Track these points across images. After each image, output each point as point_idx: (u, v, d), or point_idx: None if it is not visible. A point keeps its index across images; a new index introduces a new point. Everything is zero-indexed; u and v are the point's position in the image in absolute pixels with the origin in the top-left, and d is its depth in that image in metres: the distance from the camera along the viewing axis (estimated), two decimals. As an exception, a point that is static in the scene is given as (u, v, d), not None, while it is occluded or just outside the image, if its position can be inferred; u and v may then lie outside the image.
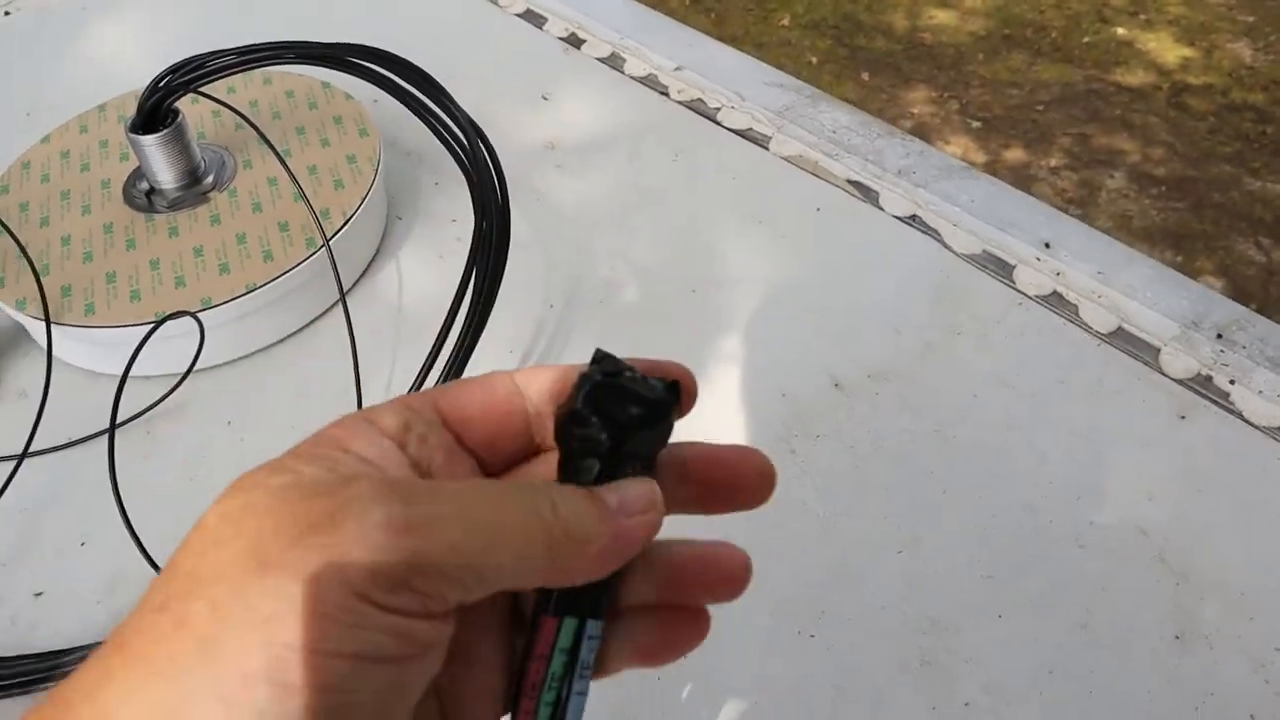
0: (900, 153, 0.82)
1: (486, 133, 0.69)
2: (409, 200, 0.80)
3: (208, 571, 0.22)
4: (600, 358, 0.28)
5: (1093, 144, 3.50)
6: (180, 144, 0.71)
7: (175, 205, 0.72)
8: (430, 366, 0.59)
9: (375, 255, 0.76)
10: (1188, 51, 3.77)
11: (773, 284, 0.72)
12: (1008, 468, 0.61)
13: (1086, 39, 3.90)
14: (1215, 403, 0.65)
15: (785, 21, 4.04)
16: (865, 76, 3.80)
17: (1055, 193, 3.33)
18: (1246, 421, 0.64)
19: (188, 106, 0.73)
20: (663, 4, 4.19)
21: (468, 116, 0.66)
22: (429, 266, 0.74)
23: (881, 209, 0.77)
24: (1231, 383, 0.66)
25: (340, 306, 0.71)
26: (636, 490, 0.26)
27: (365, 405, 0.63)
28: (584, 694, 0.26)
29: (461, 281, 0.61)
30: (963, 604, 0.56)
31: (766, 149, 0.82)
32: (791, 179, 0.79)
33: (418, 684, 0.23)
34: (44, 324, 0.64)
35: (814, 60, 3.86)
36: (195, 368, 0.63)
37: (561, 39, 0.95)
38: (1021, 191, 0.82)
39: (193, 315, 0.61)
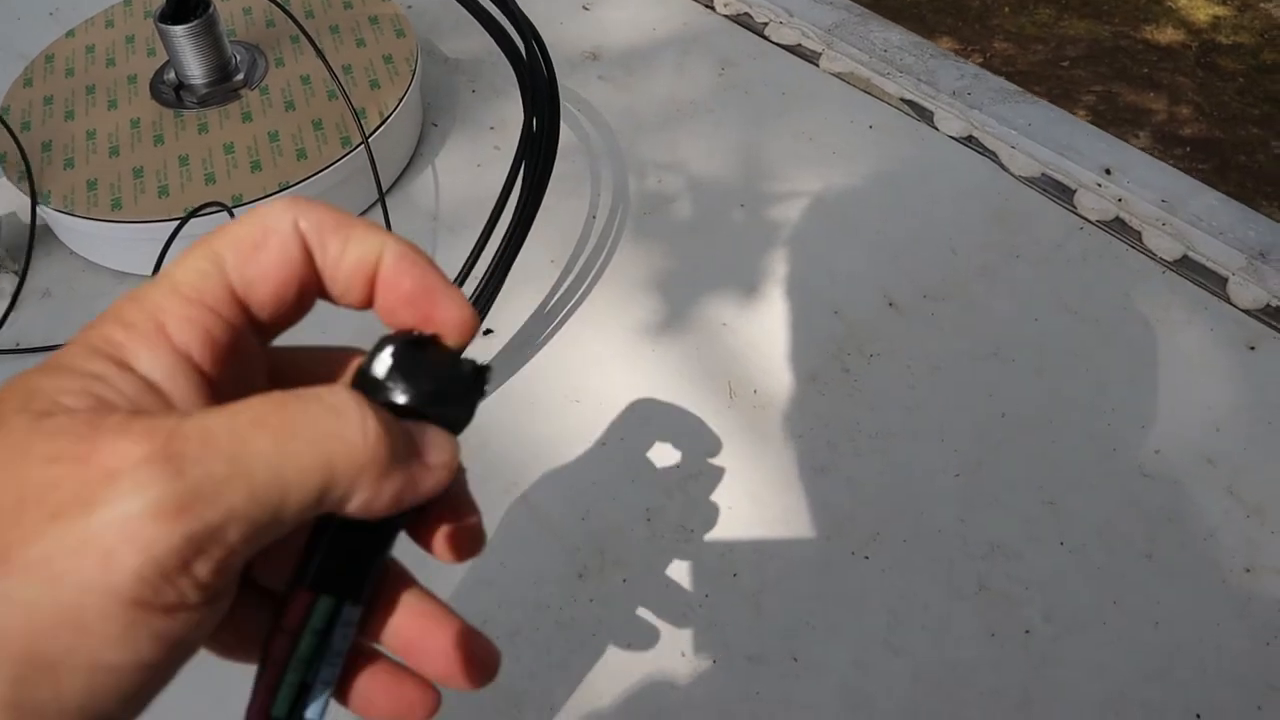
0: (954, 74, 0.79)
1: None
2: (445, 107, 0.76)
3: None
4: (407, 333, 0.24)
5: (1118, 101, 3.44)
6: (211, 36, 0.68)
7: (205, 102, 0.69)
8: (473, 264, 0.57)
9: (410, 161, 0.73)
10: (1219, 10, 3.69)
11: (824, 201, 0.69)
12: (1070, 393, 0.59)
13: (1116, -6, 3.82)
14: (1285, 334, 0.62)
15: (809, -32, 3.96)
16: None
17: (1078, 150, 3.27)
18: (1317, 354, 0.62)
19: (218, 3, 0.70)
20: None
21: (523, 14, 0.63)
22: (466, 174, 0.71)
23: (936, 129, 0.74)
24: (1302, 315, 0.63)
25: (372, 212, 0.69)
26: (441, 437, 0.22)
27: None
28: (329, 685, 0.23)
29: (507, 181, 0.58)
30: (1022, 530, 0.54)
31: (816, 65, 0.79)
32: (842, 95, 0.76)
33: (188, 657, 0.20)
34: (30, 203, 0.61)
35: (837, 8, 3.79)
36: (225, 268, 0.61)
37: (602, -50, 0.91)
38: (1078, 119, 0.78)
39: (225, 206, 0.58)
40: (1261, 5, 3.73)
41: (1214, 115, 3.39)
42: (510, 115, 0.75)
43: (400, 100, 0.68)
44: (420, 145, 0.74)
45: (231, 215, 0.57)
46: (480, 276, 0.58)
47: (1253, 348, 0.62)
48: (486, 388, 0.24)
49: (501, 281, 0.58)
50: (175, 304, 0.21)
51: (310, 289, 0.24)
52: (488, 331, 0.61)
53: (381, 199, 0.65)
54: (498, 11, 0.65)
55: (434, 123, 0.75)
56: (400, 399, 0.23)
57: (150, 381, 0.21)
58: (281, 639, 0.22)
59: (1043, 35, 3.72)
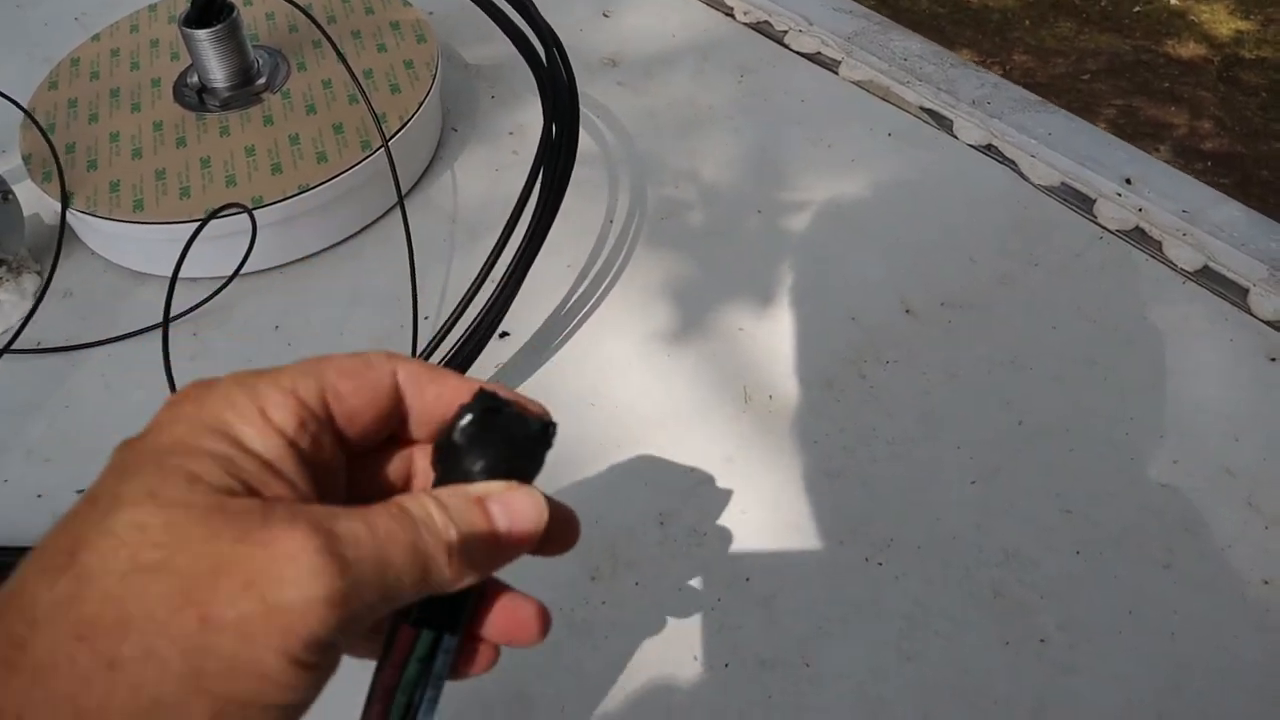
0: (975, 84, 0.79)
1: None
2: (465, 112, 0.77)
3: (136, 607, 0.21)
4: (485, 396, 0.28)
5: (1139, 115, 3.43)
6: (234, 41, 0.69)
7: (227, 105, 0.70)
8: (491, 266, 0.57)
9: (429, 166, 0.73)
10: (1243, 24, 3.68)
11: (842, 207, 0.69)
12: (1088, 402, 0.59)
13: (1137, 8, 3.80)
14: (1306, 346, 0.62)
15: (829, -20, 3.96)
16: (910, 39, 3.73)
17: (1099, 164, 3.26)
18: (1339, 366, 0.61)
19: (241, 8, 0.70)
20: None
21: (544, 21, 0.64)
22: (485, 179, 0.72)
23: (956, 137, 0.74)
24: (1323, 327, 0.63)
25: (391, 216, 0.69)
26: (526, 502, 0.27)
27: (416, 325, 0.60)
28: (435, 701, 0.27)
29: (526, 185, 0.58)
30: (1039, 538, 0.53)
31: (835, 73, 0.79)
32: (862, 104, 0.76)
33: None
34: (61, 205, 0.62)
35: (857, 21, 3.79)
36: (244, 270, 0.61)
37: (622, -43, 0.91)
38: (1098, 128, 0.78)
39: (245, 208, 0.58)
40: (1285, 20, 3.71)
41: (1236, 130, 3.37)
42: (529, 121, 0.75)
43: (420, 104, 0.69)
44: (440, 150, 0.74)
45: (252, 217, 0.58)
46: (498, 279, 0.58)
47: (1274, 359, 0.61)
48: (553, 441, 0.29)
49: (519, 284, 0.59)
50: (275, 393, 0.26)
51: (390, 421, 0.29)
52: (504, 334, 0.61)
53: (401, 202, 0.65)
54: (519, 18, 0.65)
55: (454, 128, 0.76)
56: (477, 466, 0.27)
57: (266, 460, 0.25)
58: (391, 670, 0.26)
59: (1063, 48, 3.70)
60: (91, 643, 0.21)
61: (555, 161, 0.59)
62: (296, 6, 0.72)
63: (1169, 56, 3.64)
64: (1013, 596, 0.51)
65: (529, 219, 0.59)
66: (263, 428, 0.25)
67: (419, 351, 0.59)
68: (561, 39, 0.69)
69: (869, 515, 0.54)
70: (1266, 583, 0.52)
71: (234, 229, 0.61)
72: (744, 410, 0.58)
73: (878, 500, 0.54)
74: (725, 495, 0.54)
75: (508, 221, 0.58)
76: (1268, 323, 0.63)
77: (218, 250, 0.63)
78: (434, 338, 0.57)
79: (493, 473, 0.27)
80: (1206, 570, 0.52)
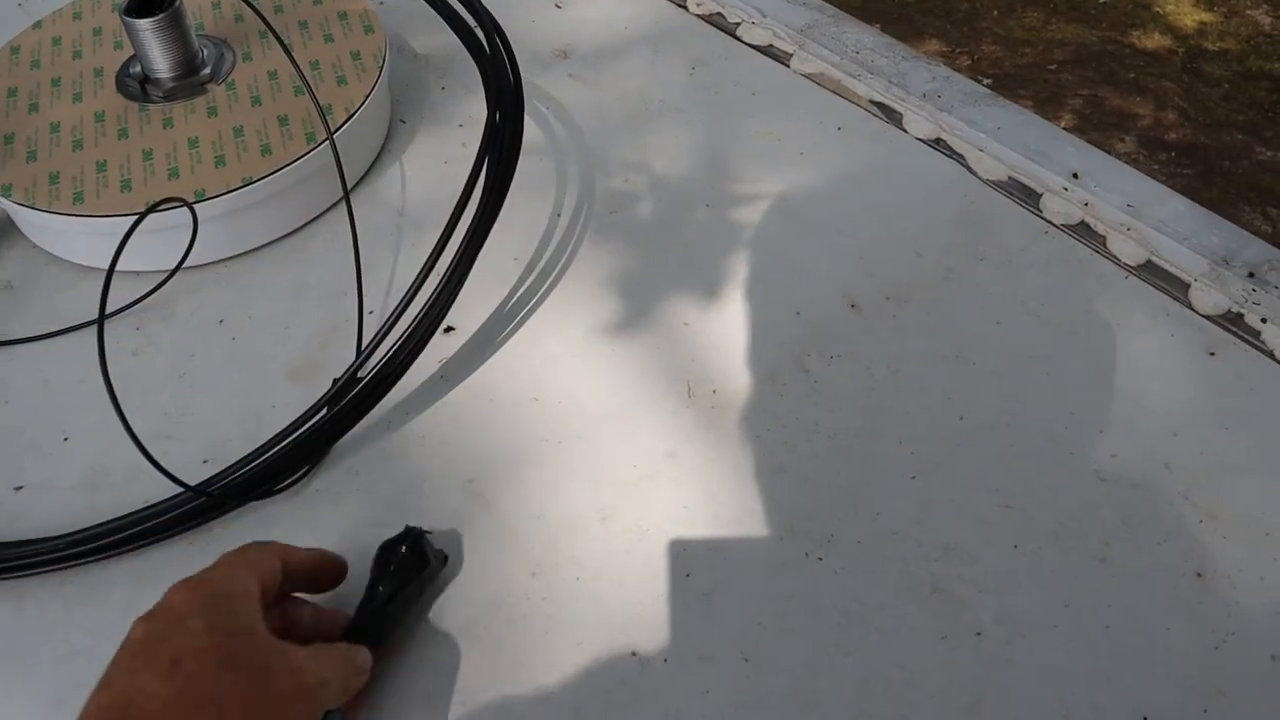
0: (925, 77, 0.79)
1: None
2: (414, 104, 0.76)
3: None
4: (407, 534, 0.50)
5: (1105, 106, 3.45)
6: (177, 30, 0.68)
7: (170, 96, 0.69)
8: (434, 261, 0.56)
9: (378, 158, 0.73)
10: (1206, 16, 3.71)
11: (789, 201, 0.69)
12: (1030, 396, 0.59)
13: (1104, 0, 3.83)
14: (1246, 340, 0.63)
15: (799, -31, 3.96)
16: (877, 28, 3.74)
17: (1064, 154, 3.28)
18: (1277, 361, 0.62)
19: (185, -5, 0.69)
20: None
21: (485, 9, 0.63)
22: (433, 171, 0.71)
23: (905, 131, 0.74)
24: (1263, 321, 0.63)
25: (338, 209, 0.69)
26: (365, 655, 0.44)
27: (362, 319, 0.60)
28: None
29: (470, 178, 0.58)
30: (978, 533, 0.54)
31: (787, 66, 0.79)
32: (812, 97, 0.76)
33: None
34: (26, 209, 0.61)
35: (827, 10, 3.79)
36: (187, 263, 0.60)
37: (574, -52, 0.91)
38: (1047, 121, 0.79)
39: (186, 203, 0.58)
40: (1248, 12, 3.75)
41: (1199, 121, 3.40)
42: (480, 113, 0.74)
43: (367, 97, 0.68)
44: (388, 142, 0.74)
45: (192, 211, 0.57)
46: (442, 273, 0.58)
47: (1213, 354, 0.62)
48: (430, 552, 0.49)
49: (463, 279, 0.58)
50: (265, 556, 0.44)
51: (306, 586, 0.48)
52: (449, 329, 0.61)
53: (346, 195, 0.65)
54: (462, 8, 0.64)
55: (402, 119, 0.75)
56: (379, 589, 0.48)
57: (268, 608, 0.42)
58: None
59: (1030, 39, 3.72)
60: None
61: (499, 154, 0.58)
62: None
63: (1134, 47, 3.67)
64: (951, 591, 0.51)
65: (473, 212, 0.59)
66: (265, 584, 0.42)
67: (363, 347, 0.58)
68: (512, 31, 0.68)
69: (810, 511, 0.54)
70: (1200, 575, 0.53)
71: (176, 222, 0.60)
72: (688, 405, 0.58)
73: (819, 496, 0.54)
74: (668, 491, 0.54)
75: (451, 215, 0.58)
76: (1208, 317, 0.64)
77: (160, 243, 0.62)
78: (378, 333, 0.57)
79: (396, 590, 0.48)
80: (1142, 563, 0.53)
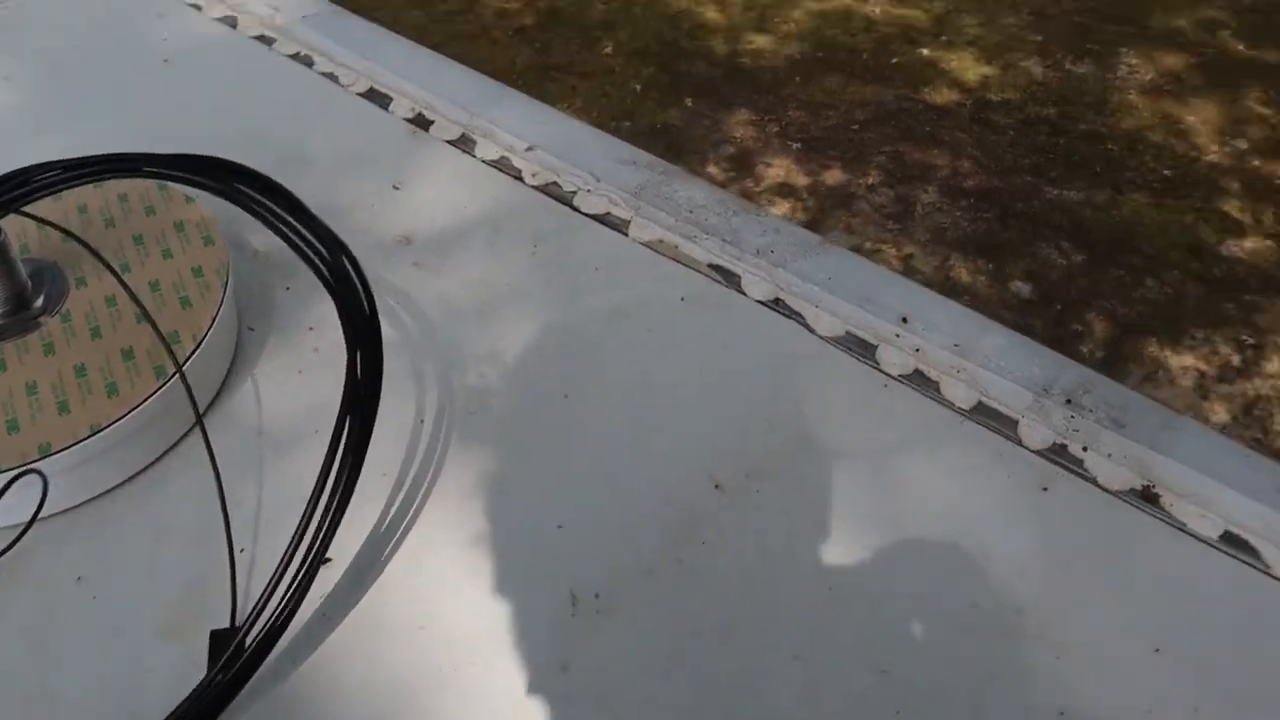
0: (757, 230, 0.83)
1: (337, 227, 0.66)
2: (260, 309, 0.76)
3: None
4: None
5: (906, 160, 3.66)
6: (3, 265, 0.65)
7: (1, 334, 0.67)
8: (310, 516, 0.56)
9: (228, 374, 0.71)
10: (987, 70, 4.00)
11: (644, 382, 0.71)
12: (891, 557, 0.63)
13: (895, 60, 4.08)
14: (1072, 470, 0.68)
15: (608, 50, 4.07)
16: (688, 102, 3.87)
17: (874, 209, 3.47)
18: (1101, 488, 0.68)
19: (8, 219, 0.67)
20: (486, 34, 4.16)
21: (329, 230, 0.64)
22: (288, 382, 0.71)
23: (744, 293, 0.78)
24: (1084, 449, 0.69)
25: (193, 435, 0.67)
26: None
27: (234, 562, 0.59)
28: None
29: (332, 442, 0.58)
30: (859, 705, 0.57)
31: (626, 234, 0.82)
32: (653, 266, 0.79)
33: None
34: None
35: (638, 87, 3.91)
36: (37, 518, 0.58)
37: (408, 120, 0.92)
38: (873, 263, 0.84)
39: (35, 470, 0.56)
40: (1022, 64, 4.05)
41: (991, 167, 3.65)
42: (328, 314, 0.74)
43: (214, 320, 0.67)
44: (237, 353, 0.73)
45: (42, 477, 0.55)
46: (321, 506, 0.57)
47: (1045, 489, 0.67)
48: None
49: (343, 511, 0.58)
50: None
51: None
52: (327, 560, 0.61)
53: (200, 423, 0.64)
54: (304, 228, 0.65)
55: (250, 327, 0.74)
56: None
57: None
58: None
59: (832, 101, 3.93)
60: None
61: (360, 404, 0.59)
62: (68, 233, 0.69)
63: (926, 103, 3.92)
64: (845, 772, 0.54)
65: (338, 465, 0.58)
66: None
67: (239, 594, 0.57)
68: (353, 217, 0.69)
69: (704, 709, 0.56)
70: (1062, 714, 0.57)
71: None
72: (573, 614, 0.59)
73: (711, 693, 0.56)
74: (562, 707, 0.55)
75: (318, 479, 0.57)
76: (1037, 452, 0.69)
77: (7, 499, 0.59)
78: (268, 586, 0.55)
79: None
80: (1009, 710, 0.57)
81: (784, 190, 3.51)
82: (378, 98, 0.94)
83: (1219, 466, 0.70)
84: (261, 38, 1.03)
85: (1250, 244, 3.32)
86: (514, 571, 0.61)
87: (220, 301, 0.69)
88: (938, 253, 3.32)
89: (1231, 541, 0.65)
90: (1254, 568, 0.64)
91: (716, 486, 0.65)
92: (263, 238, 0.81)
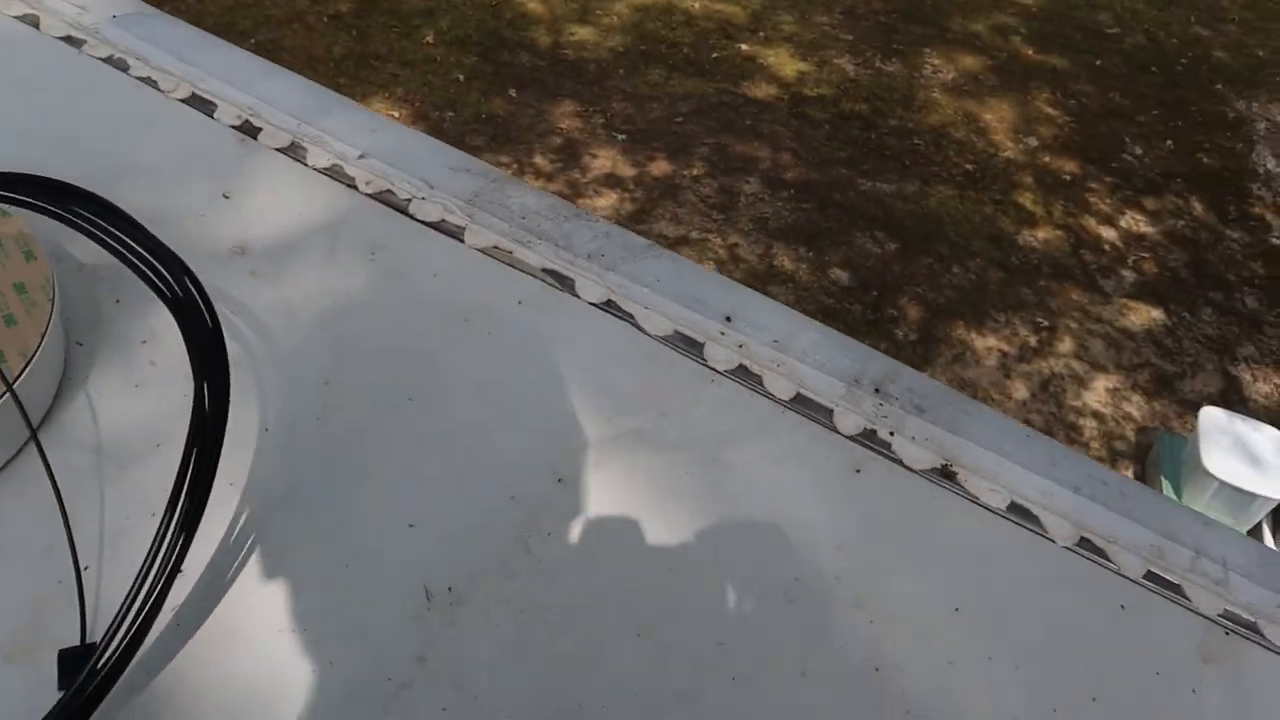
0: (588, 235, 0.87)
1: (167, 238, 0.66)
2: (88, 323, 0.74)
3: None
4: None
5: (729, 152, 3.79)
6: None
7: None
8: (159, 547, 0.57)
9: (59, 391, 0.70)
10: (803, 66, 4.17)
11: (487, 384, 0.75)
12: (722, 537, 0.68)
13: (715, 54, 4.20)
14: (881, 453, 0.75)
15: (429, 39, 4.03)
16: (513, 93, 3.88)
17: (699, 199, 3.58)
18: (907, 467, 0.75)
19: None
20: (299, 19, 4.04)
21: (171, 252, 0.64)
22: (124, 397, 0.70)
23: (578, 296, 0.82)
24: (891, 433, 0.77)
25: (27, 452, 0.66)
26: None
27: (80, 578, 0.59)
28: None
29: (180, 470, 0.58)
30: (699, 675, 0.62)
31: (462, 241, 0.84)
32: (490, 272, 0.82)
33: None
34: None
35: (461, 77, 3.89)
36: None
37: (235, 127, 0.92)
38: (699, 265, 0.90)
39: None
40: (836, 61, 4.24)
41: (809, 160, 3.82)
42: (162, 326, 0.74)
43: (42, 338, 0.66)
44: (67, 369, 0.71)
45: None
46: (173, 521, 0.58)
47: (858, 470, 0.74)
48: None
49: (194, 526, 0.59)
50: None
51: None
52: (179, 572, 0.61)
53: (35, 440, 0.63)
54: (145, 250, 0.65)
55: (79, 341, 0.73)
56: None
57: None
58: None
59: (656, 94, 4.02)
60: None
61: (206, 424, 0.59)
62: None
63: (747, 97, 4.06)
64: (686, 738, 0.59)
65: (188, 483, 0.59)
66: None
67: (87, 612, 0.57)
68: (183, 226, 0.69)
69: (559, 688, 0.60)
70: (877, 670, 0.64)
71: None
72: (428, 609, 0.62)
73: (564, 672, 0.60)
74: (423, 700, 0.58)
75: (166, 508, 0.58)
76: (850, 438, 0.76)
77: None
78: (123, 605, 0.56)
79: None
80: (833, 670, 0.63)
81: (611, 181, 3.58)
82: (201, 104, 0.93)
83: (1005, 445, 0.78)
84: (69, 39, 1.00)
85: (1043, 234, 3.60)
86: (369, 571, 0.63)
87: (48, 318, 0.68)
88: (761, 242, 3.45)
89: (1017, 511, 0.74)
90: (1035, 533, 0.73)
91: (559, 480, 0.69)
92: (83, 247, 0.80)
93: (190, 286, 0.64)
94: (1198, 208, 3.70)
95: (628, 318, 0.81)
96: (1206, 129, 4.09)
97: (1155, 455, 2.74)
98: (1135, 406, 2.98)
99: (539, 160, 3.60)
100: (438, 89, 3.84)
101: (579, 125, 3.83)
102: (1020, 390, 3.04)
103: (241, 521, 0.65)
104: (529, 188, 0.93)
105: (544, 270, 0.83)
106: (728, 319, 0.82)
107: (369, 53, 3.95)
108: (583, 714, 0.59)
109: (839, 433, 0.76)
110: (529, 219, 0.88)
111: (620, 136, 3.81)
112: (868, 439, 0.76)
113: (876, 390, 0.80)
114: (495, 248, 0.84)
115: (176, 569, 0.57)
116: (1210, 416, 2.57)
